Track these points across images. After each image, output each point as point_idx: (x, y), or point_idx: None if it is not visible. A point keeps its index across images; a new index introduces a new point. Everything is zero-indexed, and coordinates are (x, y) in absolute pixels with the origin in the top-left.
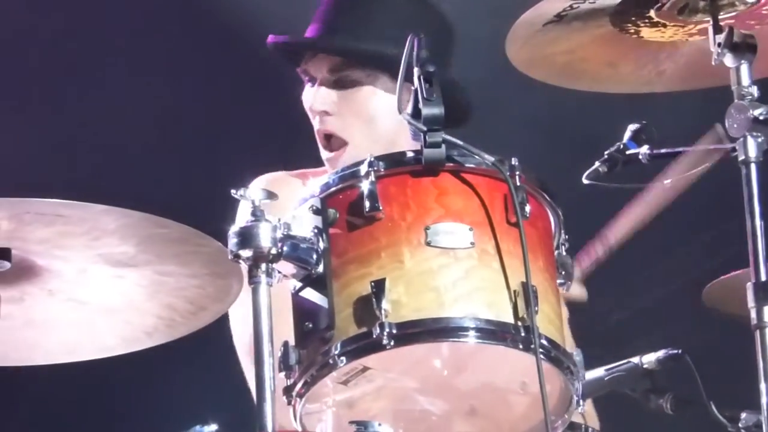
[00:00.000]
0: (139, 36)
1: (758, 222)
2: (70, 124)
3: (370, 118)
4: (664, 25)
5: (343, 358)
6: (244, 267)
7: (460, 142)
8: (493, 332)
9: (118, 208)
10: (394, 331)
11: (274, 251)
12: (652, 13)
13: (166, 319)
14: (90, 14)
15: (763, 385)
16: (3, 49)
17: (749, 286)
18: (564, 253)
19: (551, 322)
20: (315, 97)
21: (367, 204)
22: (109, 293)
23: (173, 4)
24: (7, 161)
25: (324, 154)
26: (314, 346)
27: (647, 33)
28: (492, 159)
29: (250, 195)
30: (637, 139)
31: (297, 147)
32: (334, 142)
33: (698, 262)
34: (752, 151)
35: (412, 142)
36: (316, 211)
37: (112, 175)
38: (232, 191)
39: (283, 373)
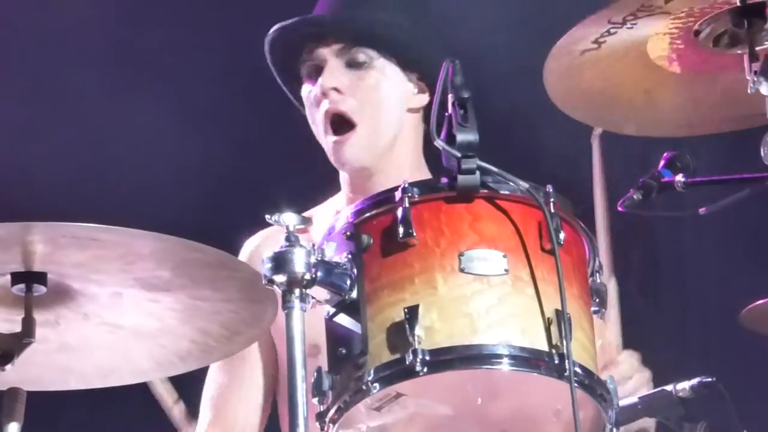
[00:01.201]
0: (175, 61)
1: None
2: (105, 149)
3: (378, 102)
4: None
5: (377, 385)
6: (278, 292)
7: (494, 169)
8: (527, 359)
9: (153, 233)
10: (427, 358)
11: (308, 276)
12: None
13: (201, 343)
14: (126, 38)
15: None
16: (43, 73)
17: None
18: (598, 281)
19: (585, 349)
20: (325, 76)
21: (401, 230)
22: (144, 317)
23: (210, 35)
24: (42, 185)
25: (329, 138)
26: (347, 371)
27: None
28: (526, 186)
29: (284, 220)
30: (671, 166)
31: (331, 173)
32: (342, 124)
33: (734, 287)
34: None
35: (413, 142)
36: (350, 237)
37: (148, 199)
38: (267, 216)
39: (316, 399)
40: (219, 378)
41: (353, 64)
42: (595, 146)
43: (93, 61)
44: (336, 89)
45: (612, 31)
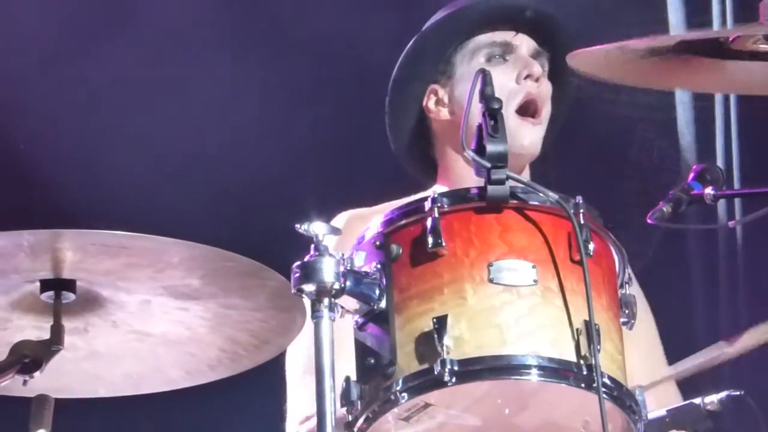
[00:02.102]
0: (212, 69)
1: None
2: (136, 156)
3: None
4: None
5: (405, 395)
6: (307, 301)
7: (524, 179)
8: (556, 370)
9: (183, 241)
10: (456, 368)
11: (337, 286)
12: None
13: (230, 352)
14: (163, 45)
15: None
16: (74, 78)
17: None
18: (628, 292)
19: (614, 360)
20: (532, 62)
21: (430, 240)
22: (173, 325)
23: (254, 39)
24: (72, 193)
25: (528, 121)
26: (376, 381)
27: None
28: (556, 197)
29: (314, 230)
30: (701, 179)
31: (365, 184)
32: (536, 111)
33: (760, 302)
34: None
35: None
36: (379, 247)
37: (178, 207)
38: (296, 226)
39: (344, 408)
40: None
41: (536, 57)
42: None
43: (126, 61)
44: (540, 79)
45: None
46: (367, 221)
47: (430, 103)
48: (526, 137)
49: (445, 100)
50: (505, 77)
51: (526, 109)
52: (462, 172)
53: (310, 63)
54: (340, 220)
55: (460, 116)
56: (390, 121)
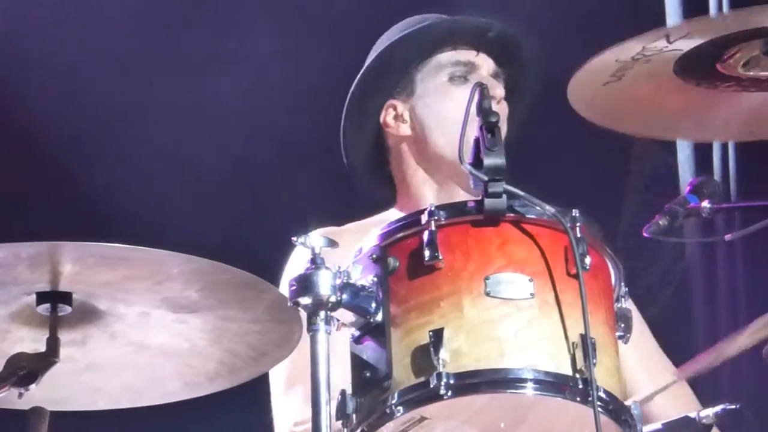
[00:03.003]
0: (207, 86)
1: None
2: (135, 169)
3: None
4: (729, 77)
5: (401, 408)
6: (303, 314)
7: (521, 193)
8: (552, 384)
9: (181, 253)
10: (452, 381)
11: (333, 299)
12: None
13: (228, 364)
14: (157, 62)
15: None
16: (73, 93)
17: None
18: (624, 306)
19: (610, 374)
20: (494, 84)
21: (427, 253)
22: (171, 337)
23: (246, 59)
24: (70, 205)
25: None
26: (372, 394)
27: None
28: (553, 210)
29: (311, 242)
30: (698, 192)
31: (357, 198)
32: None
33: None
34: None
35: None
36: (376, 260)
37: (177, 220)
38: (293, 238)
39: (340, 422)
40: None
41: (496, 78)
42: None
43: (124, 78)
44: (499, 100)
45: (627, 66)
46: (338, 238)
47: (388, 118)
48: None
49: (405, 116)
50: (465, 97)
51: None
52: (420, 188)
53: (304, 70)
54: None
55: (421, 132)
56: (346, 136)
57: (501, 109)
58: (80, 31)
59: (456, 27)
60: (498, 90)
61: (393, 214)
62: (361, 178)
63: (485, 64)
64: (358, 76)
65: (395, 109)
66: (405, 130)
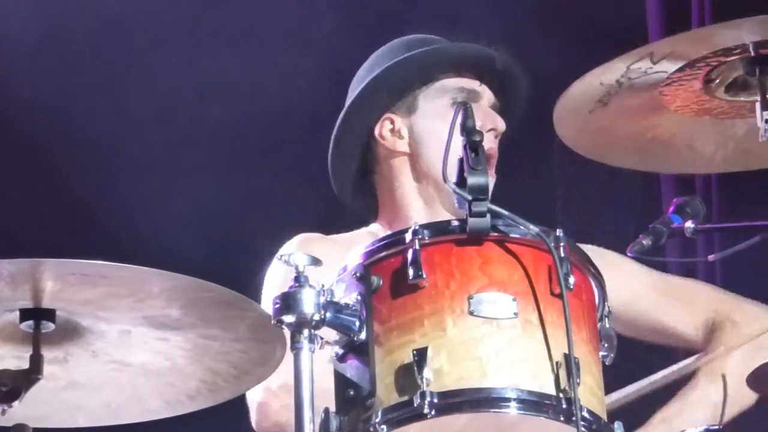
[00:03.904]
0: (189, 103)
1: None
2: (115, 187)
3: None
4: (713, 102)
5: (384, 427)
6: (286, 332)
7: (505, 212)
8: (535, 403)
9: (163, 271)
10: (436, 401)
11: (317, 317)
12: (700, 89)
13: (209, 383)
14: (138, 77)
15: None
16: (56, 106)
17: None
18: (607, 326)
19: (593, 394)
20: (497, 117)
21: (410, 272)
22: (153, 356)
23: (226, 69)
24: (53, 222)
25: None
26: (355, 413)
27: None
28: (537, 229)
29: (294, 260)
30: (681, 212)
31: (341, 212)
32: (492, 164)
33: None
34: None
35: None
36: (360, 278)
37: (159, 237)
38: (277, 257)
39: None
40: None
41: (494, 109)
42: None
43: (102, 89)
44: (499, 134)
45: (612, 91)
46: (321, 244)
47: (384, 130)
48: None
49: (403, 132)
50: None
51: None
52: (407, 205)
53: (286, 86)
54: (294, 242)
55: (417, 151)
56: (336, 143)
57: (497, 141)
58: (67, 42)
59: (466, 53)
60: (499, 123)
61: (374, 229)
62: (342, 187)
63: (486, 95)
64: (359, 88)
65: (392, 122)
66: (401, 145)
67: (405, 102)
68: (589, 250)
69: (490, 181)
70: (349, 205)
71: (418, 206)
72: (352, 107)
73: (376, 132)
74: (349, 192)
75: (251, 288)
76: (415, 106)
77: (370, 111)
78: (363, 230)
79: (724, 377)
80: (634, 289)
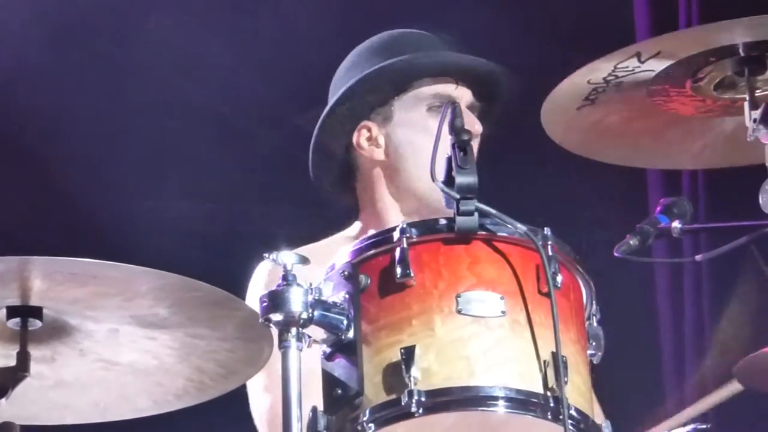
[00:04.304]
0: (185, 101)
1: None
2: (104, 185)
3: None
4: (702, 100)
5: (372, 425)
6: (274, 331)
7: (493, 211)
8: (523, 402)
9: (151, 269)
10: (423, 399)
11: (304, 316)
12: (688, 87)
13: (196, 381)
14: (125, 74)
15: None
16: (47, 103)
17: None
18: (595, 325)
19: (581, 393)
20: (472, 120)
21: (398, 270)
22: (140, 354)
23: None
24: (42, 221)
25: None
26: (343, 412)
27: (681, 108)
28: (524, 228)
29: (282, 259)
30: (668, 213)
31: (333, 213)
32: None
33: (728, 338)
34: None
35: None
36: (348, 277)
37: (149, 236)
38: (265, 255)
39: None
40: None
41: (472, 110)
42: None
43: (91, 88)
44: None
45: (599, 89)
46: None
47: (361, 139)
48: None
49: (380, 140)
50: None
51: None
52: (387, 213)
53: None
54: (263, 268)
55: (395, 160)
56: (315, 150)
57: (475, 141)
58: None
59: (442, 62)
60: (476, 126)
61: (352, 233)
62: (325, 191)
63: (464, 96)
64: (336, 96)
65: (369, 131)
66: (379, 154)
67: (381, 111)
68: None
69: None
70: (335, 203)
71: (397, 215)
72: (328, 115)
73: (354, 140)
74: (329, 190)
75: (240, 287)
76: (391, 115)
77: (347, 119)
78: (341, 234)
79: None
80: None
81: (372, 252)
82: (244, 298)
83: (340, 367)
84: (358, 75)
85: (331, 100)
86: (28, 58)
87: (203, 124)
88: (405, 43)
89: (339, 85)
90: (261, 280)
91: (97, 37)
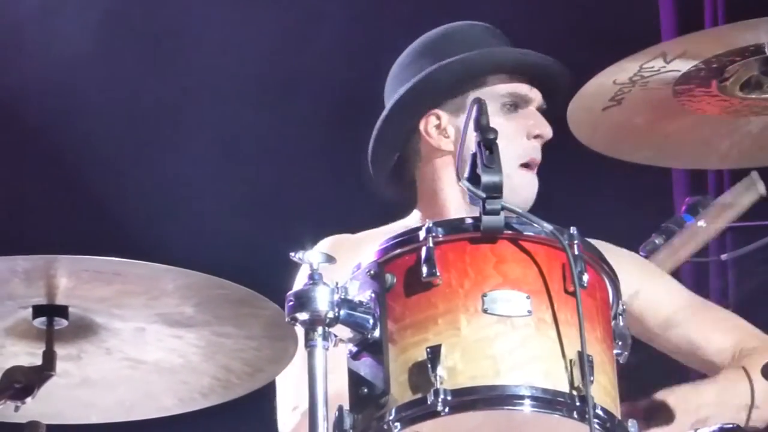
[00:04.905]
0: (200, 96)
1: None
2: (130, 184)
3: None
4: (728, 100)
5: (398, 424)
6: (300, 330)
7: (519, 210)
8: (549, 401)
9: (177, 268)
10: (449, 398)
11: (331, 315)
12: (714, 87)
13: (223, 380)
14: (148, 75)
15: None
16: (73, 105)
17: None
18: (621, 324)
19: (607, 392)
20: (546, 125)
21: (424, 270)
22: (166, 353)
23: (240, 72)
24: (68, 220)
25: (529, 172)
26: (369, 411)
27: (707, 108)
28: (550, 228)
29: (309, 258)
30: (693, 211)
31: (361, 211)
32: (536, 166)
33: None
34: None
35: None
36: (374, 276)
37: (176, 234)
38: (291, 254)
39: None
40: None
41: (541, 112)
42: None
43: (119, 89)
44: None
45: (625, 89)
46: (351, 246)
47: (429, 127)
48: (529, 188)
49: (449, 131)
50: (515, 129)
51: (529, 165)
52: (450, 204)
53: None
54: (324, 245)
55: (463, 151)
56: (379, 136)
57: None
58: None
59: (524, 60)
60: (548, 130)
61: (412, 222)
62: (379, 176)
63: (537, 98)
64: (409, 85)
65: (438, 118)
66: (446, 144)
67: (454, 101)
68: (633, 258)
69: (535, 183)
70: (381, 192)
71: (461, 205)
72: (398, 104)
73: (421, 127)
74: (384, 181)
75: (268, 286)
76: (464, 107)
77: (417, 107)
78: (399, 223)
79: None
80: (673, 303)
81: (398, 251)
82: (272, 296)
83: (366, 366)
84: (432, 62)
85: (401, 85)
86: (53, 62)
87: (230, 116)
88: (474, 34)
89: (406, 71)
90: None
91: (122, 35)
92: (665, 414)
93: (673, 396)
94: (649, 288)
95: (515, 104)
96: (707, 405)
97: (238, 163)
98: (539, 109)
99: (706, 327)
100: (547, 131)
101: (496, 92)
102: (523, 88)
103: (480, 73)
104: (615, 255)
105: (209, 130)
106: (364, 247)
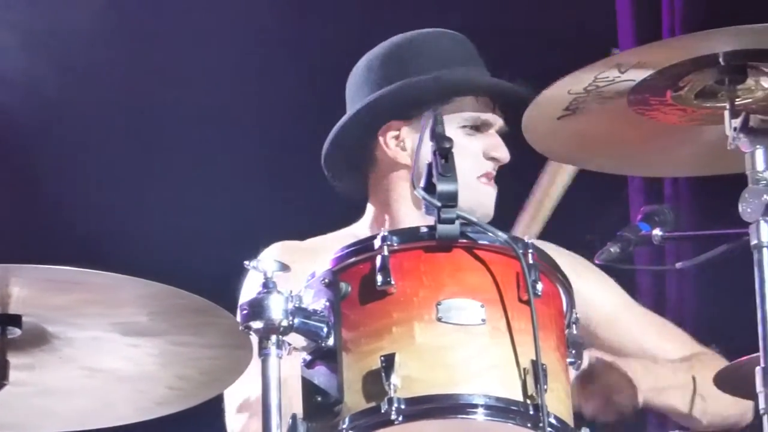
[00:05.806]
0: (160, 103)
1: None
2: (88, 192)
3: None
4: (683, 110)
5: None
6: (254, 338)
7: (474, 219)
8: (503, 410)
9: (135, 278)
10: (403, 407)
11: (285, 323)
12: (669, 96)
13: (177, 389)
14: (109, 82)
15: None
16: (34, 114)
17: (758, 370)
18: (575, 332)
19: (561, 401)
20: (504, 148)
21: (379, 278)
22: (123, 362)
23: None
24: (25, 228)
25: (489, 187)
26: (323, 419)
27: (663, 117)
28: (505, 236)
29: (263, 266)
30: (649, 220)
31: (317, 218)
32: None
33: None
34: (765, 236)
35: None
36: (328, 285)
37: (131, 244)
38: (245, 262)
39: None
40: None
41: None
42: None
43: (77, 97)
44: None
45: (580, 99)
46: (301, 253)
47: (388, 138)
48: (490, 198)
49: (406, 144)
50: (475, 148)
51: (486, 176)
52: (405, 216)
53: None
54: (272, 251)
55: (421, 166)
56: (336, 136)
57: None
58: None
59: (496, 88)
60: (505, 155)
61: (359, 230)
62: (335, 176)
63: (497, 122)
64: (371, 98)
65: (398, 130)
66: (403, 158)
67: (415, 114)
68: (578, 261)
69: (493, 192)
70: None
71: (414, 219)
72: (363, 110)
73: (380, 136)
74: (335, 181)
75: (224, 295)
76: (425, 123)
77: (381, 117)
78: (345, 231)
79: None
80: (616, 306)
81: (353, 260)
82: (229, 306)
83: (320, 375)
84: (400, 72)
85: (366, 89)
86: (14, 67)
87: (189, 127)
88: (449, 50)
89: (376, 77)
90: (251, 287)
91: (86, 40)
92: (623, 378)
93: (634, 362)
94: (583, 287)
95: (476, 127)
96: (665, 376)
97: (199, 172)
98: (500, 132)
99: (653, 333)
100: (504, 156)
101: (460, 112)
102: (486, 114)
103: (451, 93)
104: (556, 254)
105: (167, 141)
106: (312, 254)
